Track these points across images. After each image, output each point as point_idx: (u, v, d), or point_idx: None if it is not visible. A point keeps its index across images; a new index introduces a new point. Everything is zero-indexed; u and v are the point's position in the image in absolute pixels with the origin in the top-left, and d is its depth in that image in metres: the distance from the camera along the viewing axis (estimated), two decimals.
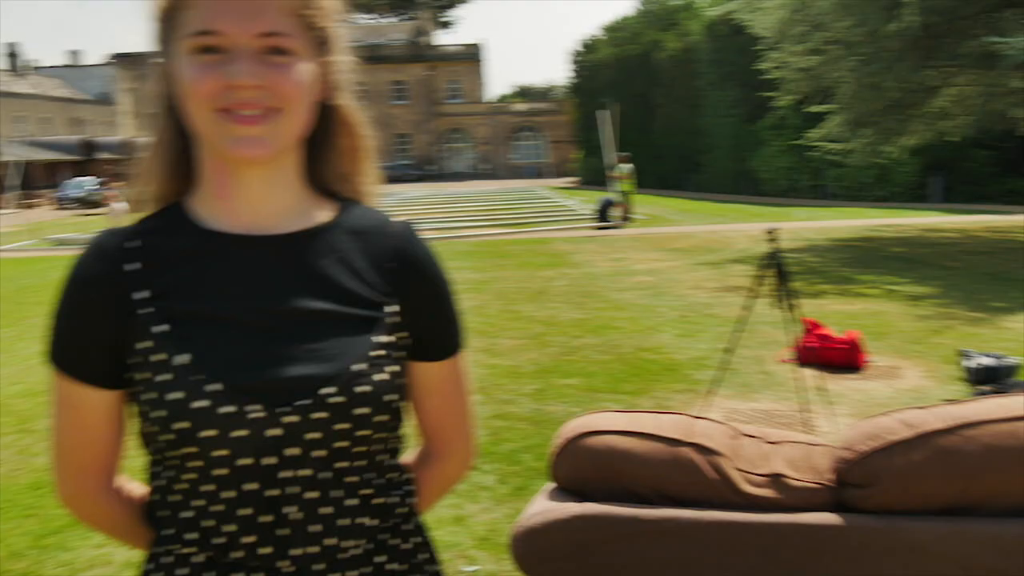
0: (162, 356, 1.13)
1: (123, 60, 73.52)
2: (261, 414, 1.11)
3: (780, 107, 24.44)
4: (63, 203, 44.21)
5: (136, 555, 3.92)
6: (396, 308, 1.23)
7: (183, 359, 1.12)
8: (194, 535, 1.16)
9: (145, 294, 1.16)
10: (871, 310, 9.83)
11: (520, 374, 7.36)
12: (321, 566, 1.17)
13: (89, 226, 28.16)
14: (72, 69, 70.70)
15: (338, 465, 1.17)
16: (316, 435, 1.13)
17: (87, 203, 41.80)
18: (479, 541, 4.17)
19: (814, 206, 28.53)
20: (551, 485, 2.91)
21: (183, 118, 1.17)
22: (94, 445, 1.22)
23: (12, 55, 64.22)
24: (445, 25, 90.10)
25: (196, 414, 1.10)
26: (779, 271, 5.75)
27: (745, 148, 35.37)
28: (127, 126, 69.31)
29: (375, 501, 1.22)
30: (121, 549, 4.20)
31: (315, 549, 1.16)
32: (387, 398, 1.18)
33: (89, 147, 54.38)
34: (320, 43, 1.18)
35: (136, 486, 1.31)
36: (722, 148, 37.23)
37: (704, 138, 38.81)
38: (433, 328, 1.28)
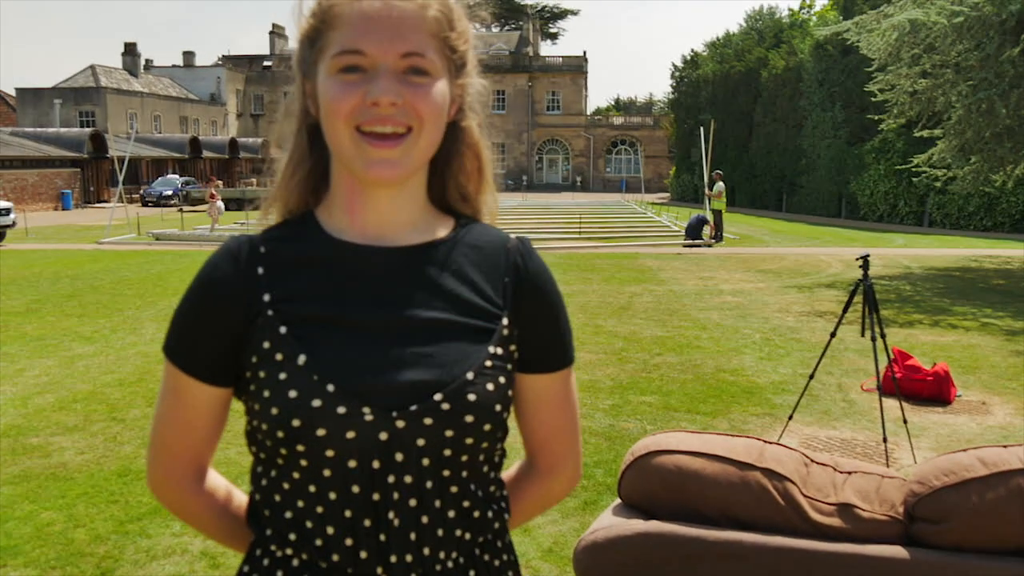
0: (280, 356, 1.17)
1: (232, 62, 75.90)
2: (371, 416, 1.14)
3: (886, 130, 23.84)
4: (147, 200, 44.34)
5: (213, 546, 4.05)
6: (510, 321, 1.25)
7: (300, 359, 1.16)
8: (294, 536, 1.19)
9: (269, 297, 1.20)
10: (964, 343, 9.53)
11: (597, 389, 7.35)
12: (414, 575, 1.18)
13: (188, 222, 29.06)
14: (183, 69, 73.13)
15: (441, 474, 1.18)
16: (423, 441, 1.15)
17: (188, 200, 42.76)
18: (544, 552, 4.19)
19: (914, 233, 27.78)
20: (618, 501, 2.92)
21: (321, 136, 1.22)
22: (189, 436, 1.27)
23: (129, 55, 66.75)
24: (550, 37, 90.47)
25: (309, 412, 1.13)
26: (869, 298, 5.64)
27: (846, 170, 34.63)
28: (232, 126, 71.38)
29: (474, 514, 1.23)
30: (198, 539, 4.33)
31: (410, 558, 1.17)
32: (494, 408, 1.19)
33: (195, 145, 56.07)
34: (456, 65, 1.22)
35: (228, 486, 1.37)
36: (822, 169, 36.52)
37: (803, 158, 38.13)
38: (544, 342, 1.29)
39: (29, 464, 5.47)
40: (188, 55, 74.76)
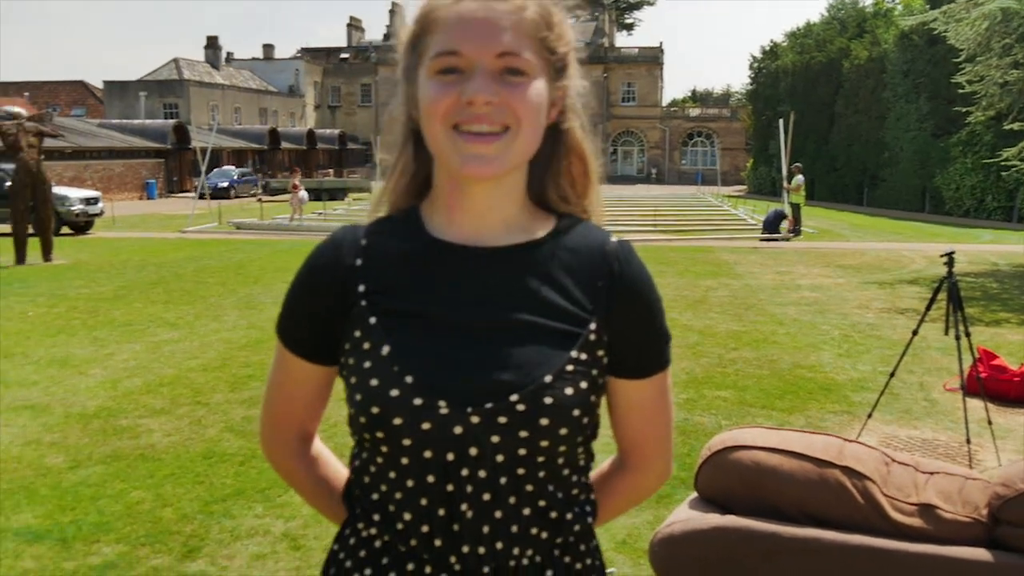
0: (367, 345, 1.22)
1: (310, 55, 77.01)
2: (447, 410, 1.16)
3: (974, 122, 23.16)
4: (202, 192, 42.67)
5: (292, 528, 4.17)
6: (600, 326, 1.24)
7: (384, 350, 1.20)
8: (377, 517, 1.24)
9: (364, 288, 1.25)
10: None
11: (672, 383, 7.30)
12: (488, 569, 1.20)
13: (267, 212, 29.61)
14: (263, 62, 74.52)
15: (516, 471, 1.19)
16: (497, 438, 1.17)
17: (268, 191, 43.37)
18: (618, 544, 4.20)
19: (1002, 229, 26.91)
20: (693, 495, 2.93)
21: (423, 139, 1.26)
22: (292, 406, 1.37)
23: (211, 48, 68.24)
24: (627, 27, 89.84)
25: (388, 402, 1.18)
26: (954, 296, 5.52)
27: (931, 164, 33.75)
28: (310, 118, 72.46)
29: (551, 514, 1.23)
30: (280, 520, 4.46)
31: (483, 550, 1.19)
32: (572, 413, 1.19)
33: (274, 137, 57.08)
34: (555, 67, 1.23)
35: (332, 459, 1.45)
36: (905, 163, 35.64)
37: (886, 151, 37.26)
38: (638, 347, 1.29)
39: (119, 445, 5.67)
40: (268, 48, 76.26)
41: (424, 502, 1.20)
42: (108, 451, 5.54)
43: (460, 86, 1.17)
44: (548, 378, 1.18)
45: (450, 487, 1.19)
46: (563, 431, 1.19)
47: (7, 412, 6.40)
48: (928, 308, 5.70)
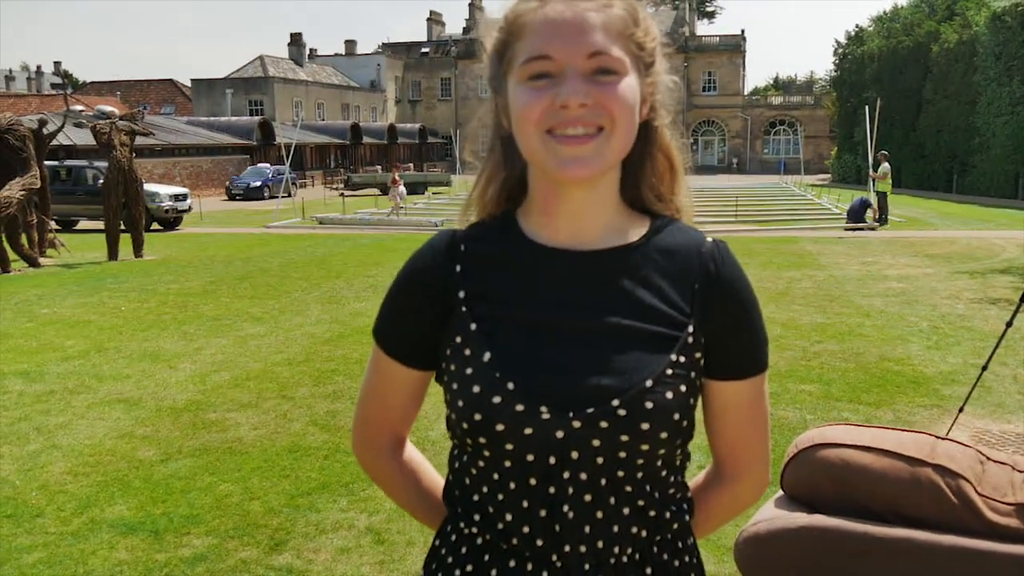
0: (468, 352, 1.23)
1: (390, 50, 77.78)
2: (548, 415, 1.17)
3: None
4: (234, 193, 39.81)
5: (376, 522, 4.22)
6: (697, 328, 1.24)
7: (485, 356, 1.21)
8: (478, 516, 1.26)
9: (464, 293, 1.26)
10: None
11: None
12: (588, 566, 1.21)
13: (349, 207, 30.01)
14: (345, 58, 75.51)
15: (616, 473, 1.20)
16: (598, 442, 1.17)
17: (350, 185, 43.88)
18: (702, 542, 4.15)
19: None
20: (780, 493, 2.87)
21: (515, 148, 1.25)
22: (386, 408, 1.38)
23: (295, 45, 69.39)
24: (708, 15, 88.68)
25: (490, 408, 1.18)
26: None
27: None
28: (391, 112, 73.23)
29: (649, 513, 1.24)
30: (364, 514, 4.52)
31: (583, 548, 1.21)
32: (672, 416, 1.20)
33: (356, 132, 57.83)
34: (644, 64, 1.22)
35: (423, 462, 1.46)
36: (998, 148, 34.50)
37: (977, 137, 36.11)
38: (735, 349, 1.28)
39: (208, 438, 5.81)
40: (350, 44, 77.11)
41: (526, 504, 1.21)
42: (197, 444, 5.69)
43: (553, 90, 1.15)
44: (649, 383, 1.18)
45: (552, 489, 1.20)
46: (663, 435, 1.19)
47: (102, 405, 6.61)
48: (1023, 299, 5.50)
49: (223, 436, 5.86)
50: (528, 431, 1.18)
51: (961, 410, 5.75)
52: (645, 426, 1.17)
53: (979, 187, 36.02)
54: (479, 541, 1.26)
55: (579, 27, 1.16)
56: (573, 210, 1.25)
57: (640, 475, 1.22)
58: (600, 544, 1.21)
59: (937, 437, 2.70)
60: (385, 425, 1.40)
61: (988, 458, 2.61)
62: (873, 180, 23.23)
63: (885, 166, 22.70)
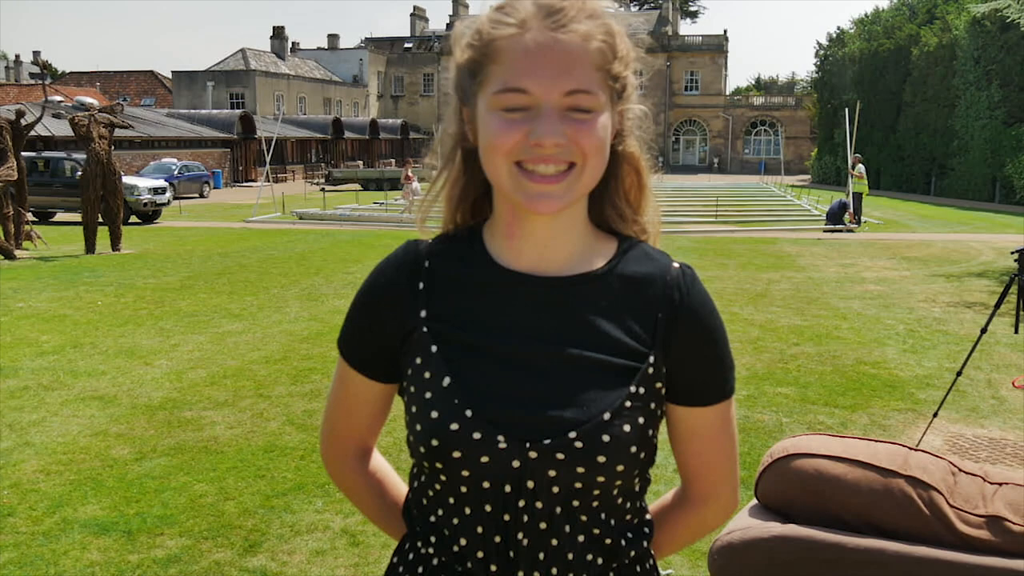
0: (428, 375, 1.22)
1: (374, 44, 77.52)
2: (505, 445, 1.17)
3: None
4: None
5: (351, 524, 4.19)
6: (658, 358, 1.23)
7: (445, 382, 1.20)
8: (434, 538, 1.26)
9: (425, 313, 1.25)
10: None
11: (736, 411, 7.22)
12: None
13: (330, 202, 29.90)
14: (327, 52, 75.18)
15: (571, 502, 1.20)
16: (554, 472, 1.17)
17: (331, 180, 43.69)
18: None
19: None
20: (753, 502, 2.88)
21: (477, 159, 1.23)
22: (351, 420, 1.38)
23: (277, 38, 69.01)
24: (691, 15, 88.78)
25: (447, 435, 1.18)
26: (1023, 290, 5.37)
27: (1002, 152, 32.89)
28: (373, 107, 72.99)
29: (606, 541, 1.24)
30: (339, 516, 4.50)
31: (537, 575, 1.21)
32: (629, 449, 1.19)
33: (338, 126, 57.59)
34: (616, 92, 1.20)
35: (390, 473, 1.47)
36: (975, 151, 34.78)
37: (955, 140, 36.39)
38: (699, 376, 1.27)
39: (183, 437, 5.78)
40: (332, 38, 76.82)
41: (480, 529, 1.21)
42: (172, 443, 5.65)
43: (527, 124, 1.13)
44: (607, 415, 1.18)
45: (506, 516, 1.20)
46: (619, 468, 1.19)
47: (76, 402, 6.56)
48: (998, 304, 5.55)
49: (198, 435, 5.82)
50: (484, 459, 1.17)
51: (936, 415, 5.80)
52: (601, 459, 1.17)
53: (957, 190, 36.31)
54: (435, 562, 1.26)
55: (558, 62, 1.13)
56: (538, 237, 1.24)
57: (596, 504, 1.21)
58: (554, 571, 1.21)
59: (910, 448, 2.72)
60: (351, 436, 1.40)
61: (960, 469, 2.63)
62: (852, 179, 23.37)
63: (860, 167, 22.89)
